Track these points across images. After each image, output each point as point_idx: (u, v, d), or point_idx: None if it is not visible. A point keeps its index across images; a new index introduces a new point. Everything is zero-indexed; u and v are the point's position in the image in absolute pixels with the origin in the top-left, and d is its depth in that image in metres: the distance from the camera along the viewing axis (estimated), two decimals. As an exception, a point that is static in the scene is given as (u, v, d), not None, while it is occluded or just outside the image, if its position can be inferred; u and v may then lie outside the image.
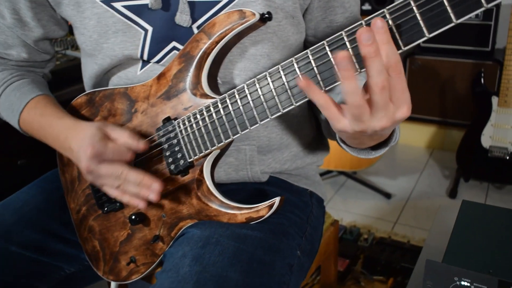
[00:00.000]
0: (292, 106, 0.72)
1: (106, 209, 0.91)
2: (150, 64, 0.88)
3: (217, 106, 0.78)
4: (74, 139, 0.84)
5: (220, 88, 0.86)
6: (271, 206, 0.78)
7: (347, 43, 0.64)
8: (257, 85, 0.74)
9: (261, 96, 0.73)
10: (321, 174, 2.79)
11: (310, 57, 0.68)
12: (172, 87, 0.84)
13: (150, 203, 0.87)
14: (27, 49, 0.98)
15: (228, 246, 0.76)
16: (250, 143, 0.90)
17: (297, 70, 0.70)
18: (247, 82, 0.75)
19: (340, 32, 0.65)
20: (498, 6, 2.49)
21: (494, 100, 2.39)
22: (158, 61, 0.87)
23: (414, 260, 1.96)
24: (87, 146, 0.78)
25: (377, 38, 0.57)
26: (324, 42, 0.66)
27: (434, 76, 2.94)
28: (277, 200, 0.78)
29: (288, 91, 0.71)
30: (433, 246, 1.16)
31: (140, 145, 0.81)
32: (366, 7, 3.04)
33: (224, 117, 0.77)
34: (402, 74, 0.59)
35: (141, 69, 0.89)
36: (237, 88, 0.76)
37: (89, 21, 0.86)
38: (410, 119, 3.10)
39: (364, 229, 2.22)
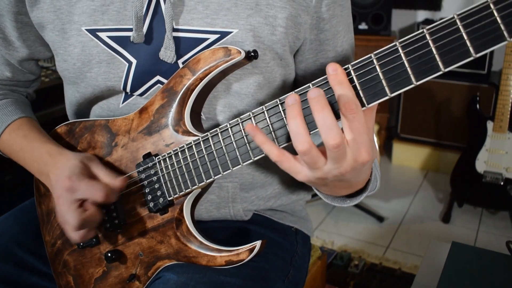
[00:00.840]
0: (262, 155, 0.69)
1: (82, 244, 0.88)
2: (133, 97, 0.85)
3: (199, 144, 0.75)
4: (54, 167, 0.81)
5: (204, 124, 0.83)
6: (251, 250, 0.75)
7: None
8: (240, 126, 0.71)
9: (245, 137, 0.70)
10: (313, 195, 2.76)
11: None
12: (154, 122, 0.81)
13: (127, 241, 0.84)
14: (10, 68, 0.95)
15: None
16: (233, 180, 0.87)
17: (282, 112, 0.67)
18: (230, 122, 0.72)
19: (308, 85, 0.65)
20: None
21: (489, 125, 2.37)
22: (141, 94, 0.84)
23: (405, 288, 1.93)
24: (65, 177, 0.76)
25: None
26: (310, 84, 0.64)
27: (430, 98, 2.93)
28: (258, 244, 0.74)
29: (272, 133, 0.68)
30: (423, 284, 1.13)
31: (117, 183, 0.78)
32: (363, 26, 3.03)
33: (206, 156, 0.74)
34: (359, 115, 0.58)
35: (124, 101, 0.86)
36: (220, 127, 0.73)
37: (73, 48, 0.83)
38: (405, 140, 3.09)
39: (355, 254, 2.19)
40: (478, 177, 2.40)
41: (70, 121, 0.92)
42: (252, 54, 0.75)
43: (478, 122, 2.41)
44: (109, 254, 0.83)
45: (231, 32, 0.78)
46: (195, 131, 0.78)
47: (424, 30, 0.58)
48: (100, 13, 0.80)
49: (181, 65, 0.81)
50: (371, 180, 0.73)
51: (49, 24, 0.84)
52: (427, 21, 2.95)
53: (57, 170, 0.80)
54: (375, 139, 0.81)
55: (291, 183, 0.97)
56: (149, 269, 0.83)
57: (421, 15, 3.19)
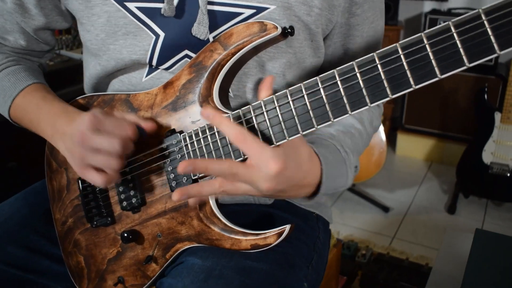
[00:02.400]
0: (313, 129, 0.66)
1: (95, 223, 0.84)
2: (157, 71, 0.82)
3: (229, 122, 0.71)
4: (71, 120, 0.78)
5: (231, 102, 0.79)
6: (280, 234, 0.71)
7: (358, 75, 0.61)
8: (276, 103, 0.67)
9: (279, 115, 0.67)
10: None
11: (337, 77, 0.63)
12: (180, 98, 0.77)
13: (145, 221, 0.80)
14: (25, 37, 0.91)
15: (233, 280, 0.70)
16: None
17: (322, 91, 0.64)
18: (264, 99, 0.68)
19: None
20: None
21: (497, 116, 2.35)
22: (167, 68, 0.80)
23: (413, 279, 1.91)
24: (88, 116, 0.73)
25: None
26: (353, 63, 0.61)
27: (435, 89, 2.90)
28: (287, 228, 0.71)
29: (310, 112, 0.65)
30: (443, 272, 1.10)
31: (149, 124, 0.75)
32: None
33: (235, 134, 0.70)
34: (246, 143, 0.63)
35: (147, 75, 0.82)
36: (252, 104, 0.69)
37: (97, 18, 0.79)
38: (410, 130, 3.06)
39: (362, 244, 2.16)
40: (485, 168, 2.38)
41: (87, 95, 0.88)
42: (288, 30, 0.71)
43: (485, 114, 2.39)
44: (125, 234, 0.80)
45: (267, 8, 0.75)
46: (224, 108, 0.74)
47: (450, 23, 0.56)
48: None
49: (211, 40, 0.77)
50: (322, 180, 0.70)
51: None
52: (434, 11, 2.91)
53: (74, 121, 0.76)
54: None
55: None
56: (167, 251, 0.79)
57: (428, 5, 3.15)
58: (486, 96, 2.38)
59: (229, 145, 0.71)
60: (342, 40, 0.85)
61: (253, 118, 0.69)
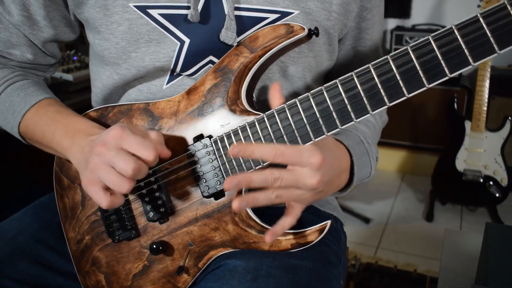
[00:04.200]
0: (337, 129, 0.68)
1: (118, 237, 0.81)
2: (179, 78, 0.81)
3: (264, 122, 0.71)
4: (94, 130, 0.76)
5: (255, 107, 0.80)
6: (321, 231, 0.71)
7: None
8: (312, 101, 0.68)
9: (317, 112, 0.68)
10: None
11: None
12: (206, 103, 0.77)
13: (175, 230, 0.78)
14: (32, 50, 0.88)
15: (281, 278, 0.69)
16: None
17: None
18: (299, 97, 0.69)
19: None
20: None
21: (467, 124, 2.45)
22: (191, 74, 0.80)
23: (405, 285, 1.94)
24: (114, 127, 0.69)
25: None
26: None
27: (405, 102, 2.95)
28: (328, 223, 0.71)
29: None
30: (451, 269, 1.12)
31: (165, 152, 0.71)
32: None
33: (271, 134, 0.70)
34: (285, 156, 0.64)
35: (168, 82, 0.81)
36: (287, 103, 0.69)
37: (117, 26, 0.77)
38: (381, 144, 3.14)
39: (349, 255, 2.18)
40: (459, 176, 2.46)
41: (100, 106, 0.85)
42: (314, 31, 0.73)
43: (456, 123, 2.49)
44: (154, 246, 0.77)
45: (291, 13, 0.76)
46: (254, 110, 0.74)
47: (478, 14, 0.60)
48: None
49: (235, 45, 0.77)
50: (354, 172, 0.74)
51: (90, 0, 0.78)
52: (399, 28, 3.03)
53: (101, 130, 0.75)
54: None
55: None
56: (199, 259, 0.77)
57: (392, 22, 3.28)
58: (456, 106, 2.49)
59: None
60: (353, 43, 0.89)
61: (288, 115, 0.69)
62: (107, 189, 0.68)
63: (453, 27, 0.61)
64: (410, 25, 3.10)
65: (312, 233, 0.72)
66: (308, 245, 0.72)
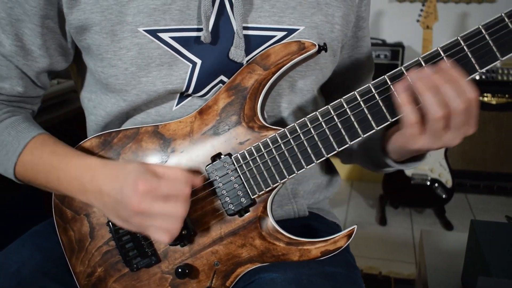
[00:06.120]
0: (360, 138, 0.71)
1: (136, 265, 0.79)
2: (188, 98, 0.81)
3: (286, 137, 0.73)
4: (107, 178, 0.72)
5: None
6: (349, 236, 0.74)
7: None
8: (333, 113, 0.71)
9: (338, 123, 0.71)
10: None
11: (389, 82, 0.69)
12: (221, 121, 0.77)
13: (198, 252, 0.78)
14: (23, 82, 0.83)
15: (324, 285, 0.71)
16: None
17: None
18: (320, 110, 0.72)
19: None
20: (403, 47, 2.77)
21: (410, 131, 2.61)
22: (203, 95, 0.80)
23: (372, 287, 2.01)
24: (136, 182, 0.67)
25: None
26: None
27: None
28: (355, 228, 0.75)
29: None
30: (436, 268, 1.19)
31: (197, 180, 0.72)
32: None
33: (295, 147, 0.73)
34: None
35: (177, 104, 0.81)
36: (307, 116, 0.72)
37: (126, 51, 0.76)
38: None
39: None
40: (408, 180, 2.61)
41: (102, 132, 0.82)
42: (323, 47, 0.77)
43: (400, 130, 2.64)
44: (180, 270, 0.76)
45: (297, 30, 0.79)
46: (271, 125, 0.76)
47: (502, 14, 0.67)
48: (161, 13, 0.75)
49: (245, 63, 0.79)
50: None
51: (95, 26, 0.76)
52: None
53: (117, 180, 0.71)
54: None
55: (324, 178, 0.98)
56: (227, 278, 0.77)
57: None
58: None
59: (288, 157, 0.73)
60: (350, 52, 0.93)
61: (311, 129, 0.72)
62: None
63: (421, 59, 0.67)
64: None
65: (341, 239, 0.74)
66: (337, 251, 0.74)
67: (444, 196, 2.57)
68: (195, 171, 0.77)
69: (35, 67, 0.82)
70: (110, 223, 0.79)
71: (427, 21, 2.39)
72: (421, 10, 2.46)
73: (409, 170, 2.60)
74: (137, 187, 0.67)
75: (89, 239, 0.83)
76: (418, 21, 2.46)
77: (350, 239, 0.74)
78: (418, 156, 0.80)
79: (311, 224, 0.90)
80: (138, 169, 0.70)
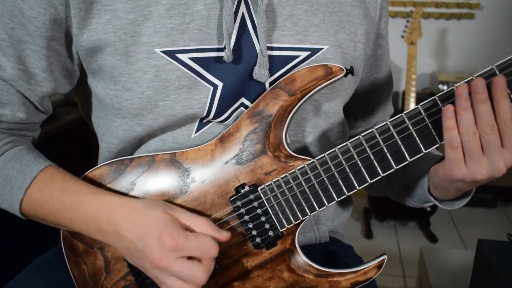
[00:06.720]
0: (392, 170, 0.70)
1: None
2: (209, 125, 0.77)
3: (316, 168, 0.71)
4: (127, 222, 0.68)
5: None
6: (380, 266, 0.73)
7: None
8: (364, 143, 0.70)
9: (370, 155, 0.70)
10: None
11: (423, 112, 0.68)
12: (245, 150, 0.75)
13: (223, 286, 0.75)
14: (26, 108, 0.78)
15: None
16: None
17: (410, 126, 0.69)
18: (351, 141, 0.70)
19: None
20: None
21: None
22: (223, 120, 0.77)
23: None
24: (162, 236, 0.64)
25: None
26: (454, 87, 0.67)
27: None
28: (385, 257, 0.73)
29: (401, 146, 0.69)
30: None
31: (225, 235, 0.69)
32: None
33: (326, 179, 0.71)
34: None
35: (197, 131, 0.78)
36: (338, 147, 0.71)
37: (142, 74, 0.72)
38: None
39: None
40: (392, 193, 2.63)
41: (114, 160, 0.78)
42: (350, 70, 0.75)
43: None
44: (204, 308, 0.73)
45: (321, 49, 0.77)
46: (298, 155, 0.74)
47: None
48: (180, 32, 0.71)
49: (267, 85, 0.76)
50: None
51: (108, 47, 0.71)
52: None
53: (136, 227, 0.67)
54: None
55: (339, 203, 0.97)
56: (253, 312, 0.75)
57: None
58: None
59: (319, 190, 0.71)
60: (368, 72, 0.90)
61: (342, 161, 0.71)
62: None
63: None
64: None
65: (371, 270, 0.73)
66: (368, 282, 0.73)
67: (428, 209, 2.60)
68: (215, 204, 0.74)
69: (38, 91, 0.77)
70: (127, 257, 0.76)
71: (412, 37, 2.43)
72: (406, 26, 2.50)
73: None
74: (163, 242, 0.64)
75: (105, 274, 0.78)
76: (402, 37, 2.49)
77: (380, 270, 0.73)
78: (463, 194, 0.77)
79: (331, 249, 0.89)
80: (164, 219, 0.67)
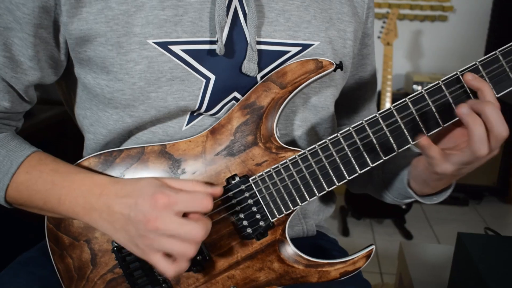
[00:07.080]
0: (381, 160, 0.72)
1: None
2: (199, 117, 0.77)
3: (306, 158, 0.72)
4: (119, 196, 0.67)
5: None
6: (368, 256, 0.74)
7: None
8: (354, 134, 0.71)
9: (360, 145, 0.71)
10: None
11: (411, 106, 0.70)
12: (236, 142, 0.75)
13: (213, 277, 0.75)
14: (10, 97, 0.76)
15: None
16: None
17: (398, 119, 0.71)
18: (341, 132, 0.72)
19: (455, 72, 0.69)
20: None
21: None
22: (215, 113, 0.77)
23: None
24: (154, 196, 0.63)
25: None
26: (440, 82, 0.69)
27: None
28: (373, 247, 0.75)
29: (390, 138, 0.71)
30: (424, 283, 1.22)
31: (217, 189, 0.69)
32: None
33: (316, 169, 0.72)
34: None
35: (188, 123, 0.78)
36: (329, 138, 0.72)
37: (134, 65, 0.71)
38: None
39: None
40: (368, 192, 2.67)
41: (102, 152, 0.77)
42: (339, 65, 0.76)
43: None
44: (194, 297, 0.73)
45: (312, 45, 0.78)
46: (288, 146, 0.75)
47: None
48: (173, 24, 0.71)
49: (259, 79, 0.77)
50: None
51: (99, 37, 0.71)
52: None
53: (128, 198, 0.66)
54: None
55: (324, 199, 0.98)
56: (243, 303, 0.75)
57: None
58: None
59: (310, 180, 0.72)
60: (354, 70, 0.92)
61: (333, 152, 0.72)
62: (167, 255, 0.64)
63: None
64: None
65: (360, 260, 0.74)
66: (356, 271, 0.74)
67: (404, 206, 2.65)
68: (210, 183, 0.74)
69: (24, 80, 0.75)
70: (115, 249, 0.75)
71: (388, 38, 2.48)
72: (382, 27, 2.54)
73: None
74: (156, 201, 0.63)
75: (91, 267, 0.77)
76: (379, 37, 2.54)
77: (369, 260, 0.74)
78: (442, 190, 0.79)
79: (318, 243, 0.90)
80: (154, 183, 0.66)
